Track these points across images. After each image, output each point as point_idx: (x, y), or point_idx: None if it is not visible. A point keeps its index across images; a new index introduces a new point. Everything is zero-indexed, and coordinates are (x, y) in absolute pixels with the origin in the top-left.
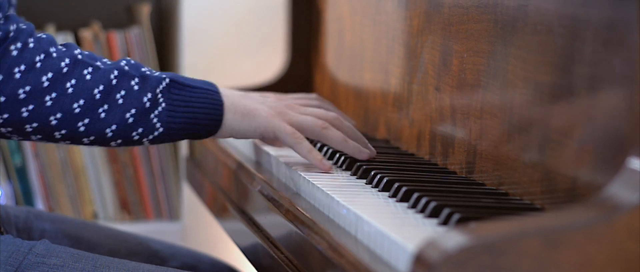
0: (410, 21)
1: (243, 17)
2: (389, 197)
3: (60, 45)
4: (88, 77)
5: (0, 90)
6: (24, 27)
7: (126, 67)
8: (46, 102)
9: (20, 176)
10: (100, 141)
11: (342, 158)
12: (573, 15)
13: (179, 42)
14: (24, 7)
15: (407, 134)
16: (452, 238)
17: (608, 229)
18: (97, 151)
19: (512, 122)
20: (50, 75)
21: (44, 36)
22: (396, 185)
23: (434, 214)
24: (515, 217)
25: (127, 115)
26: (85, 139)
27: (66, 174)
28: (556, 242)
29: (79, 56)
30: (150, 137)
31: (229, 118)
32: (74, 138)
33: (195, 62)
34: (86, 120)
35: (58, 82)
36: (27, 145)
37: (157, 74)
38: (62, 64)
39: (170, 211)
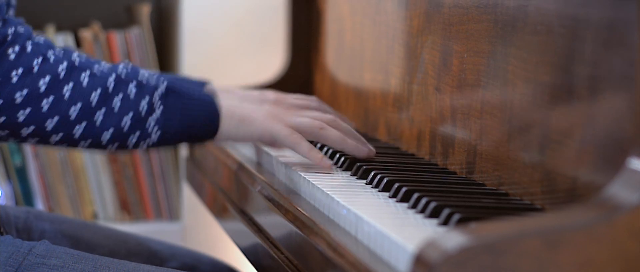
0: (410, 21)
1: (243, 17)
2: (389, 197)
3: (58, 49)
4: (85, 82)
5: None
6: (22, 30)
7: (123, 73)
8: (43, 106)
9: (20, 176)
10: (97, 145)
11: (342, 158)
12: (573, 16)
13: (179, 42)
14: (23, 7)
15: (407, 134)
16: (452, 238)
17: (608, 229)
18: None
19: (512, 123)
20: (47, 79)
21: (42, 40)
22: (396, 185)
23: (434, 214)
24: (515, 218)
25: (124, 120)
26: (81, 144)
27: (66, 174)
28: (556, 242)
29: (76, 61)
30: (147, 142)
31: (226, 124)
32: (70, 142)
33: (195, 62)
34: (83, 125)
35: (55, 86)
36: (27, 145)
37: (154, 79)
38: (60, 68)
39: (170, 211)
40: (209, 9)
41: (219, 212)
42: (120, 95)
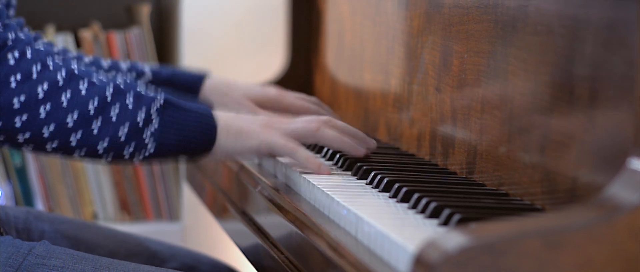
0: (410, 22)
1: (243, 17)
2: (390, 197)
3: (58, 57)
4: (83, 91)
5: None
6: (23, 36)
7: (122, 84)
8: (40, 113)
9: (20, 176)
10: (92, 154)
11: (342, 159)
12: (573, 16)
13: (178, 43)
14: (23, 7)
15: (407, 134)
16: (452, 239)
17: (608, 230)
18: None
19: (512, 123)
20: (46, 86)
21: (42, 47)
22: (396, 185)
23: (434, 214)
24: (515, 218)
25: (120, 131)
26: (77, 152)
27: (66, 174)
28: (556, 242)
29: (76, 70)
30: (143, 154)
31: (222, 139)
32: (66, 151)
33: (195, 62)
34: (79, 134)
35: (53, 94)
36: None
37: (152, 91)
38: (58, 76)
39: (170, 212)
40: (208, 9)
41: (219, 212)
42: (118, 106)
